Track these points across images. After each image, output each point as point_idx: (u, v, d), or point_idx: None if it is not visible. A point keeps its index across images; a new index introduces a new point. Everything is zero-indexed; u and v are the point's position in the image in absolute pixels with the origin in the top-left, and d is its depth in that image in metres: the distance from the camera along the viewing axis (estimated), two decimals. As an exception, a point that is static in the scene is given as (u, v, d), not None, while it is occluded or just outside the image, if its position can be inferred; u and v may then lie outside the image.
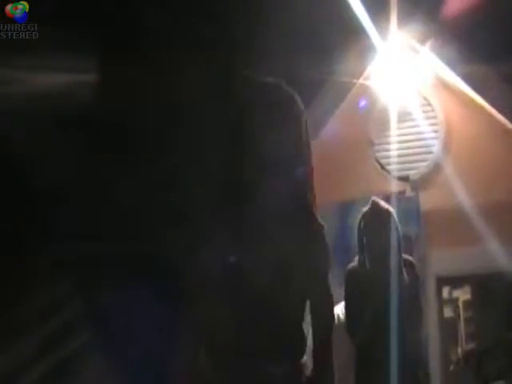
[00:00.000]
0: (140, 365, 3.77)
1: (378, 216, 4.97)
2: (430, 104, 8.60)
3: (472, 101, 8.36)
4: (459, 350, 10.36)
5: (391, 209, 5.07)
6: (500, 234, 7.69)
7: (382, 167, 8.60)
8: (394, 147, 8.49)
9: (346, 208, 7.54)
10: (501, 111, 8.21)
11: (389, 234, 4.89)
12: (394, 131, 8.50)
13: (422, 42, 8.36)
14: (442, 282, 8.57)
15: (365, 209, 5.14)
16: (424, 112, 8.57)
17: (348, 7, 7.48)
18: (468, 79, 8.21)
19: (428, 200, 8.26)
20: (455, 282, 10.04)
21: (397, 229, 5.00)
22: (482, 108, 8.32)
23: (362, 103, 8.66)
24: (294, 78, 7.88)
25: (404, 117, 8.52)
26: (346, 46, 8.29)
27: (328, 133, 8.53)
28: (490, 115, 8.30)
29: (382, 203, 5.12)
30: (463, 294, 10.78)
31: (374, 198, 5.17)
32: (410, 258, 5.11)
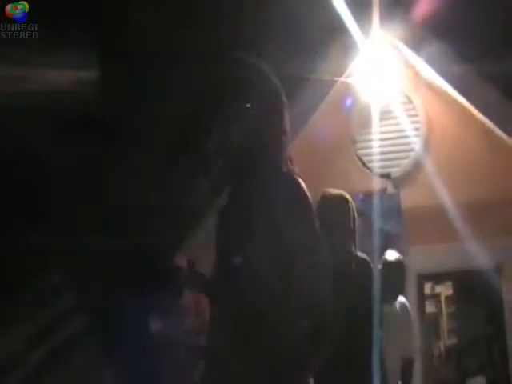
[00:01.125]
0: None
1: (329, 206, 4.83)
2: (411, 102, 8.68)
3: (453, 99, 8.44)
4: (441, 344, 10.44)
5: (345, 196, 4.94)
6: (479, 231, 7.76)
7: (364, 165, 8.65)
8: (375, 145, 8.53)
9: None
10: (481, 110, 8.29)
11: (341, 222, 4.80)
12: (376, 129, 8.54)
13: (404, 40, 8.44)
14: (422, 278, 8.66)
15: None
16: (405, 110, 8.64)
17: (331, 6, 7.54)
18: (449, 78, 8.29)
19: (409, 197, 8.34)
20: (436, 278, 10.11)
21: (353, 216, 4.88)
22: (462, 106, 8.40)
23: (348, 102, 8.69)
24: (276, 75, 7.93)
25: (386, 115, 8.57)
26: (328, 44, 8.37)
27: (310, 130, 8.55)
28: (471, 114, 8.38)
29: (334, 192, 5.00)
30: (445, 290, 10.85)
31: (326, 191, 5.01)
32: (364, 255, 4.97)
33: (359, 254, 4.92)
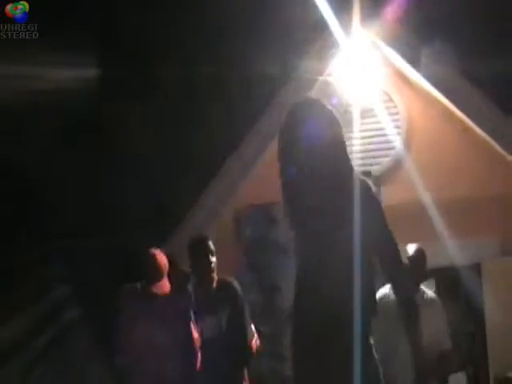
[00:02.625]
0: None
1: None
2: (392, 100, 8.77)
3: (433, 97, 8.52)
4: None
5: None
6: (460, 229, 7.87)
7: None
8: (356, 143, 8.57)
9: None
10: (461, 108, 8.38)
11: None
12: (357, 127, 8.59)
13: (385, 39, 8.49)
14: None
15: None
16: (386, 108, 8.71)
17: (311, 4, 7.60)
18: (429, 76, 8.36)
19: (390, 195, 8.26)
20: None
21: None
22: (442, 105, 8.49)
23: (334, 100, 8.74)
24: (257, 74, 8.02)
25: (366, 113, 8.66)
26: (309, 42, 8.41)
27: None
28: (451, 112, 8.47)
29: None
30: (430, 287, 10.94)
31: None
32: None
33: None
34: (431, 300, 6.43)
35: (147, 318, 5.52)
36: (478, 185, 8.28)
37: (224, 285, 6.05)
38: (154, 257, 5.62)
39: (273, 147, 8.59)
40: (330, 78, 8.54)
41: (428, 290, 6.65)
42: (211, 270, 6.02)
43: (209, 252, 6.05)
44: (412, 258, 6.33)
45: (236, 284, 6.14)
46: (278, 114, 8.60)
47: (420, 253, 6.46)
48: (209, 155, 8.24)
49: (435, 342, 6.01)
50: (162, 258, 5.68)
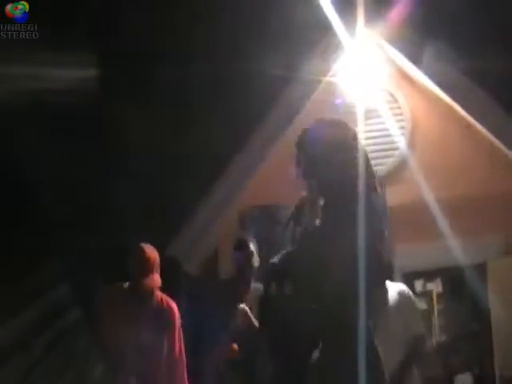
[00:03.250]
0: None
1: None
2: (396, 101, 8.81)
3: (437, 97, 8.57)
4: (433, 341, 10.56)
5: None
6: (464, 229, 7.88)
7: None
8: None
9: None
10: (464, 108, 8.43)
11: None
12: (361, 128, 8.61)
13: (389, 39, 8.54)
14: (408, 276, 8.66)
15: None
16: (390, 109, 8.75)
17: (316, 5, 7.63)
18: (433, 76, 8.41)
19: (395, 196, 8.32)
20: (427, 275, 10.22)
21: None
22: (446, 104, 8.54)
23: (338, 101, 8.76)
24: (261, 75, 8.05)
25: (370, 113, 8.69)
26: (313, 43, 8.44)
27: (295, 129, 8.61)
28: (454, 111, 8.52)
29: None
30: (437, 287, 10.97)
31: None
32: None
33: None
34: (398, 290, 6.50)
35: (129, 321, 5.28)
36: (482, 184, 8.31)
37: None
38: (142, 250, 5.37)
39: (277, 148, 8.67)
40: (334, 79, 8.59)
41: (393, 284, 6.67)
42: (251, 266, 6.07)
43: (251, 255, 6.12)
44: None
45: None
46: (282, 115, 8.66)
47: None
48: (213, 156, 8.28)
49: (409, 328, 6.14)
50: (151, 252, 5.38)
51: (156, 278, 5.35)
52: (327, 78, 8.56)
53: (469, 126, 8.48)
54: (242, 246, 6.20)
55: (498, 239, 8.32)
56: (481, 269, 8.26)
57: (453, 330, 10.14)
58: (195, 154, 8.63)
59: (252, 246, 6.16)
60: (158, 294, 5.41)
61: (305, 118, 8.74)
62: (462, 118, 8.51)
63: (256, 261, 6.12)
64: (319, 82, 8.60)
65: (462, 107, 8.42)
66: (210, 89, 8.02)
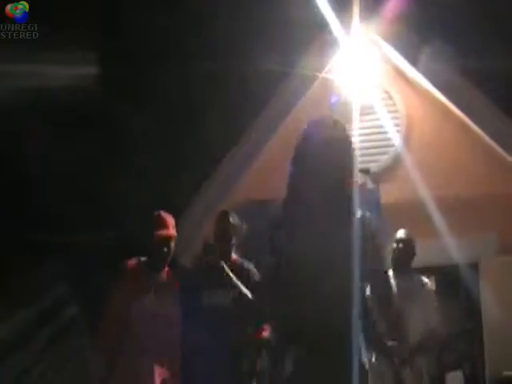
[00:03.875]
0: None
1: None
2: (391, 98, 8.85)
3: (432, 95, 8.61)
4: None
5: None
6: (457, 227, 7.97)
7: None
8: (355, 140, 8.61)
9: None
10: (459, 106, 8.47)
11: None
12: (356, 124, 8.64)
13: (384, 36, 8.59)
14: None
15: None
16: (385, 106, 8.80)
17: (311, 2, 7.67)
18: (428, 74, 8.45)
19: (388, 193, 8.47)
20: (421, 273, 10.26)
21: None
22: (441, 103, 8.57)
23: (333, 99, 8.79)
24: (257, 71, 8.09)
25: (365, 110, 8.73)
26: (309, 39, 8.48)
27: (290, 125, 8.70)
28: (450, 110, 8.55)
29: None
30: (431, 285, 11.02)
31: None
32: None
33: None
34: (425, 281, 6.79)
35: (145, 290, 5.63)
36: (477, 183, 8.36)
37: (242, 265, 6.13)
38: (159, 214, 5.78)
39: (272, 144, 8.72)
40: (329, 75, 8.62)
41: (420, 276, 6.93)
42: (229, 243, 6.13)
43: (230, 228, 6.16)
44: (401, 241, 6.93)
45: (253, 269, 6.22)
46: (277, 110, 8.71)
47: (409, 236, 6.99)
48: (208, 151, 8.33)
49: (425, 322, 6.41)
50: (168, 215, 5.83)
51: (172, 231, 5.76)
52: (322, 75, 8.61)
53: (465, 126, 8.52)
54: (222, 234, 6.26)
55: (491, 238, 8.34)
56: (474, 267, 8.30)
57: (446, 329, 10.22)
58: (191, 148, 8.68)
59: (232, 218, 6.21)
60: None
61: (300, 114, 8.81)
62: (457, 117, 8.54)
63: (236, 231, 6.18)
64: (315, 78, 8.66)
65: (457, 106, 8.46)
66: (206, 84, 8.07)
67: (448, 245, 8.00)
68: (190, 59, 7.68)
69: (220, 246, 6.08)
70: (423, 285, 6.84)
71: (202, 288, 5.98)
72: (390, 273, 6.72)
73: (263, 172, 8.56)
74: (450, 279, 9.63)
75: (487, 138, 8.42)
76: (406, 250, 6.90)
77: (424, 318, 6.54)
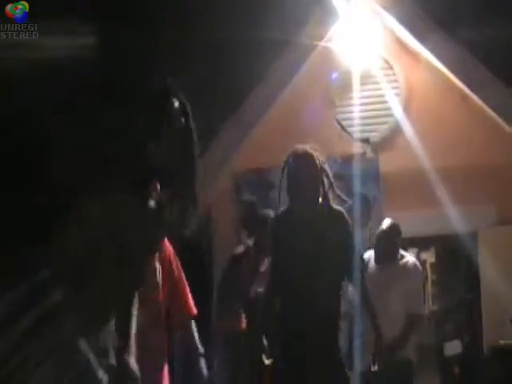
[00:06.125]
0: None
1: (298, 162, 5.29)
2: (391, 67, 8.90)
3: (432, 65, 8.69)
4: (426, 310, 10.82)
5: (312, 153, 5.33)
6: (457, 197, 8.15)
7: (343, 129, 8.88)
8: (355, 109, 8.78)
9: None
10: (460, 77, 8.56)
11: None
12: (356, 94, 8.75)
13: (384, 5, 8.63)
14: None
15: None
16: (385, 75, 8.86)
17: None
18: (428, 44, 8.51)
19: (388, 162, 8.64)
20: (420, 245, 10.43)
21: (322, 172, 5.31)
22: (441, 73, 8.65)
23: (334, 75, 8.88)
24: (256, 39, 8.20)
25: (365, 79, 8.82)
26: (308, 8, 8.51)
27: (290, 94, 8.84)
28: (450, 80, 8.64)
29: (302, 149, 5.44)
30: (430, 257, 11.19)
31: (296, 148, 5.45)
32: (338, 208, 5.39)
33: (334, 206, 5.32)
34: (409, 265, 6.82)
35: None
36: (476, 153, 8.47)
37: None
38: None
39: (271, 112, 8.84)
40: (329, 44, 8.67)
41: (409, 256, 7.00)
42: None
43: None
44: (385, 231, 6.84)
45: None
46: (276, 79, 8.79)
47: (394, 226, 6.90)
48: (208, 119, 8.45)
49: (407, 305, 6.55)
50: None
51: None
52: (322, 43, 8.65)
53: (465, 96, 8.61)
54: None
55: (490, 208, 8.46)
56: (472, 238, 8.44)
57: (445, 299, 10.41)
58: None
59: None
60: None
61: (300, 83, 8.90)
62: (457, 87, 8.63)
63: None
64: (314, 46, 8.70)
65: (457, 76, 8.54)
66: (204, 53, 8.16)
67: (447, 214, 8.14)
68: (188, 26, 7.78)
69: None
70: (407, 268, 6.85)
71: None
72: (373, 265, 6.81)
73: (263, 140, 8.65)
74: (449, 250, 9.83)
75: (487, 109, 8.52)
76: (391, 242, 6.84)
77: (407, 302, 6.62)
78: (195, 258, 7.73)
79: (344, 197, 5.46)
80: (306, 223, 5.18)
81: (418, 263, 7.01)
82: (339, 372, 5.12)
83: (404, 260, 6.81)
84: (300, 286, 5.11)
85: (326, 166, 5.36)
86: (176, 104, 1.47)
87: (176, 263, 5.61)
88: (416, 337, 6.99)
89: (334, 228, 5.21)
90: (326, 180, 5.26)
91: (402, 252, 6.91)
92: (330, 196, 5.29)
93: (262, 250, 6.76)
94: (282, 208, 5.40)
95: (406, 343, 6.64)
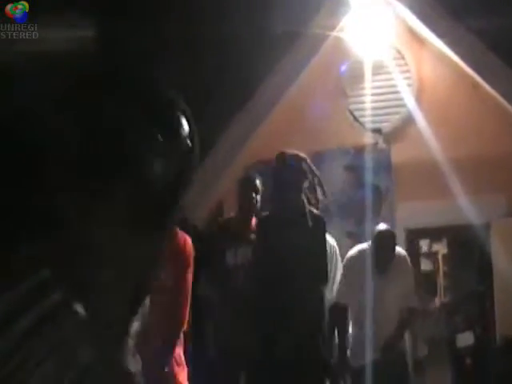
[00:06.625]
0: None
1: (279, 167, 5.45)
2: (403, 57, 8.90)
3: (444, 55, 8.69)
4: (437, 302, 10.84)
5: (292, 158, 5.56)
6: (469, 187, 8.15)
7: (355, 119, 8.89)
8: (367, 99, 8.79)
9: (318, 158, 7.77)
10: (472, 66, 8.55)
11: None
12: (368, 84, 8.75)
13: (397, -5, 8.59)
14: (411, 234, 8.94)
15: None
16: (397, 65, 8.86)
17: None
18: (440, 33, 8.50)
19: (400, 153, 8.65)
20: (432, 235, 10.46)
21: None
22: (453, 62, 8.65)
23: (343, 68, 8.89)
24: (267, 30, 8.22)
25: (377, 69, 8.82)
26: (320, -2, 8.53)
27: (302, 84, 8.84)
28: (462, 70, 8.64)
29: (288, 154, 5.66)
30: (442, 248, 11.21)
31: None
32: (317, 212, 5.64)
33: (313, 210, 5.52)
34: (401, 261, 6.86)
35: None
36: (489, 143, 8.47)
37: None
38: None
39: (283, 103, 8.85)
40: (341, 34, 8.66)
41: (398, 249, 7.02)
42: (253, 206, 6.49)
43: (254, 190, 6.52)
44: (381, 238, 6.82)
45: None
46: (288, 69, 8.81)
47: (389, 234, 6.91)
48: (219, 111, 8.45)
49: (402, 299, 6.60)
50: None
51: None
52: (334, 34, 8.64)
53: (477, 85, 8.61)
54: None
55: (503, 199, 8.48)
56: (485, 228, 8.44)
57: (457, 291, 10.42)
58: (200, 109, 8.79)
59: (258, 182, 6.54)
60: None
61: (311, 74, 8.91)
62: (469, 77, 8.63)
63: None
64: (326, 36, 8.68)
65: (470, 66, 8.53)
66: (216, 44, 8.16)
67: (459, 205, 8.13)
68: (197, 20, 7.79)
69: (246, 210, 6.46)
70: (399, 262, 6.92)
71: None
72: (369, 271, 6.77)
73: (274, 132, 8.67)
74: (462, 242, 9.83)
75: (500, 99, 8.51)
76: (387, 248, 6.84)
77: (401, 296, 6.68)
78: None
79: (325, 200, 5.74)
80: (285, 227, 5.37)
81: (406, 255, 7.05)
82: (319, 371, 5.30)
83: (396, 257, 6.86)
84: (280, 288, 5.29)
85: (310, 170, 5.52)
86: (183, 123, 1.45)
87: (188, 271, 5.64)
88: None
89: (311, 232, 5.39)
90: (306, 185, 5.42)
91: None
92: (313, 200, 5.48)
93: None
94: (265, 212, 5.63)
95: (402, 338, 6.73)
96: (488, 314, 8.95)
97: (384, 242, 6.75)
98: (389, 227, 6.97)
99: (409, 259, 7.07)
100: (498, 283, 8.44)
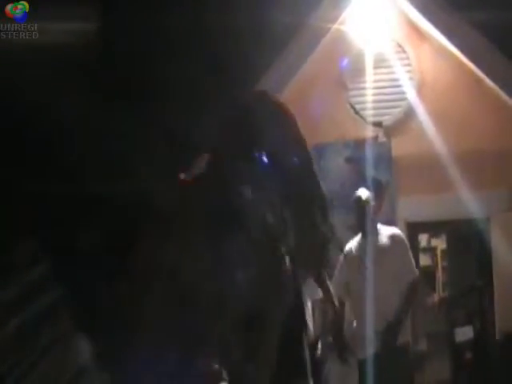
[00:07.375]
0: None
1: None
2: (404, 51, 8.94)
3: (445, 49, 8.72)
4: (435, 297, 10.87)
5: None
6: (469, 182, 8.20)
7: (356, 112, 8.92)
8: (368, 93, 8.82)
9: (318, 150, 7.83)
10: (473, 60, 8.58)
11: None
12: (369, 77, 8.78)
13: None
14: (411, 227, 8.94)
15: None
16: (399, 59, 8.89)
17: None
18: (442, 27, 8.55)
19: (400, 146, 8.67)
20: (431, 230, 10.48)
21: None
22: (454, 56, 8.68)
23: (344, 62, 8.92)
24: (270, 21, 8.24)
25: (378, 63, 8.85)
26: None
27: (303, 77, 8.87)
28: (463, 64, 8.67)
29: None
30: (441, 243, 11.22)
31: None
32: None
33: None
34: (392, 236, 6.88)
35: None
36: (489, 137, 8.50)
37: None
38: None
39: (284, 95, 8.88)
40: (342, 27, 8.70)
41: (387, 228, 7.02)
42: None
43: None
44: (360, 201, 6.87)
45: None
46: (290, 62, 8.83)
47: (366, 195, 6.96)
48: (221, 100, 8.45)
49: (403, 274, 6.64)
50: None
51: None
52: (336, 26, 8.67)
53: (478, 79, 8.64)
54: None
55: (503, 193, 8.51)
56: (485, 223, 8.51)
57: (456, 286, 10.45)
58: (204, 100, 8.80)
59: None
60: None
61: (312, 66, 8.93)
62: (470, 70, 8.66)
63: None
64: (328, 29, 8.71)
65: (471, 59, 8.56)
66: (218, 35, 8.18)
67: (459, 199, 8.17)
68: (201, 10, 7.80)
69: None
70: (393, 238, 6.88)
71: None
72: (357, 237, 6.92)
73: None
74: (461, 236, 9.86)
75: (500, 92, 8.54)
76: (367, 209, 6.88)
77: (401, 272, 6.70)
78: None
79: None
80: None
81: (401, 233, 7.07)
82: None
83: (385, 233, 6.89)
84: None
85: None
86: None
87: None
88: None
89: None
90: None
91: (380, 226, 6.96)
92: None
93: None
94: None
95: (407, 315, 6.74)
96: (487, 308, 8.99)
97: (361, 205, 6.84)
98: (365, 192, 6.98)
99: (404, 237, 7.10)
100: (498, 278, 8.50)
